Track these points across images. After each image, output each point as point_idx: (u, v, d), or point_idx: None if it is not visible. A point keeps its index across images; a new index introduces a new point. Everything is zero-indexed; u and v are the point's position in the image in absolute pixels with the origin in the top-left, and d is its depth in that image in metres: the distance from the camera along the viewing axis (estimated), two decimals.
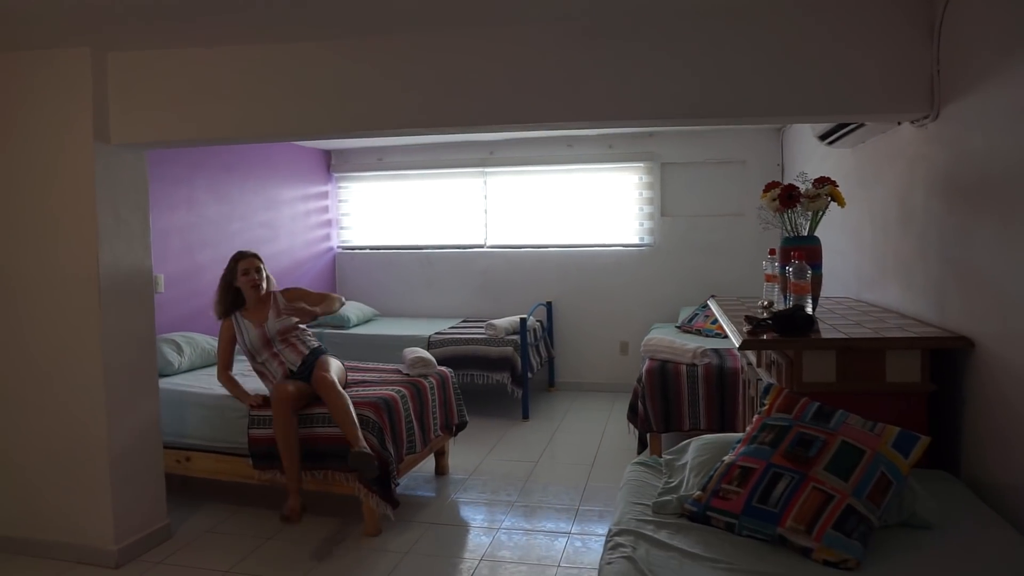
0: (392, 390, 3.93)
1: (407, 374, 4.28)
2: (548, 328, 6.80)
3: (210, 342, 4.77)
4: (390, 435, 3.67)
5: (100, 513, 3.41)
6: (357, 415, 3.60)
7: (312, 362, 3.91)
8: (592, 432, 5.53)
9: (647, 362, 4.80)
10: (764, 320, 2.69)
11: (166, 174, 5.05)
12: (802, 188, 3.12)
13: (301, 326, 4.07)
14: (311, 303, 4.08)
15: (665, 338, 5.02)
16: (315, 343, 4.08)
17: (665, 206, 6.76)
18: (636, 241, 6.86)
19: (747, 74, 2.86)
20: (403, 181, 7.25)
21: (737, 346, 2.60)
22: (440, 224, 7.21)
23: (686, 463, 2.33)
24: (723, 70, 2.87)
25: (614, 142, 6.76)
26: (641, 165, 6.76)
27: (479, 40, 3.01)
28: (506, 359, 5.80)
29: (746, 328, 2.71)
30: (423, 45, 3.05)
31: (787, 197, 3.09)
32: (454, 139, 6.83)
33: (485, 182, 7.04)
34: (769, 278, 3.54)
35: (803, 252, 2.95)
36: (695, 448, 2.38)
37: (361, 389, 3.99)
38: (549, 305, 6.84)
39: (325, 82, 3.15)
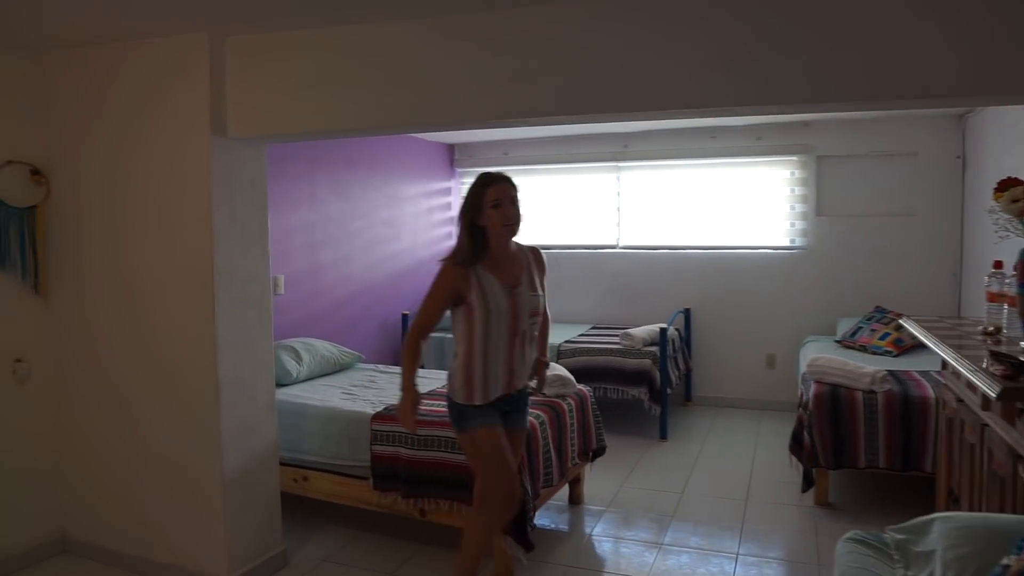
0: (530, 415, 3.49)
1: (544, 394, 3.83)
2: (686, 337, 6.21)
3: (330, 349, 4.48)
4: (527, 469, 3.23)
5: (212, 537, 3.14)
6: None
7: (521, 401, 2.93)
8: (741, 458, 4.93)
9: (814, 386, 4.16)
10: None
11: (287, 171, 4.81)
12: None
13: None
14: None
15: (836, 358, 4.36)
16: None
17: (821, 204, 6.03)
18: (787, 243, 6.16)
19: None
20: (530, 176, 6.81)
21: (994, 395, 1.99)
22: (569, 222, 6.73)
23: (934, 553, 1.76)
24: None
25: (763, 133, 6.08)
26: (794, 159, 6.05)
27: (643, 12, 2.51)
28: (643, 373, 5.27)
29: (995, 367, 2.09)
30: (571, 20, 2.57)
31: None
32: (585, 131, 6.34)
33: (618, 177, 6.52)
34: (994, 297, 2.88)
35: None
36: (945, 532, 1.80)
37: None
38: (687, 312, 6.25)
39: (459, 64, 2.73)
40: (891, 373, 4.32)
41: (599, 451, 4.11)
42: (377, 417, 3.51)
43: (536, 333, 2.87)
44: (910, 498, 4.08)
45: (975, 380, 2.17)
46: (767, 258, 6.17)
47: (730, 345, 6.28)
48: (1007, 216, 2.62)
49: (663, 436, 5.33)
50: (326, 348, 4.45)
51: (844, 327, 5.64)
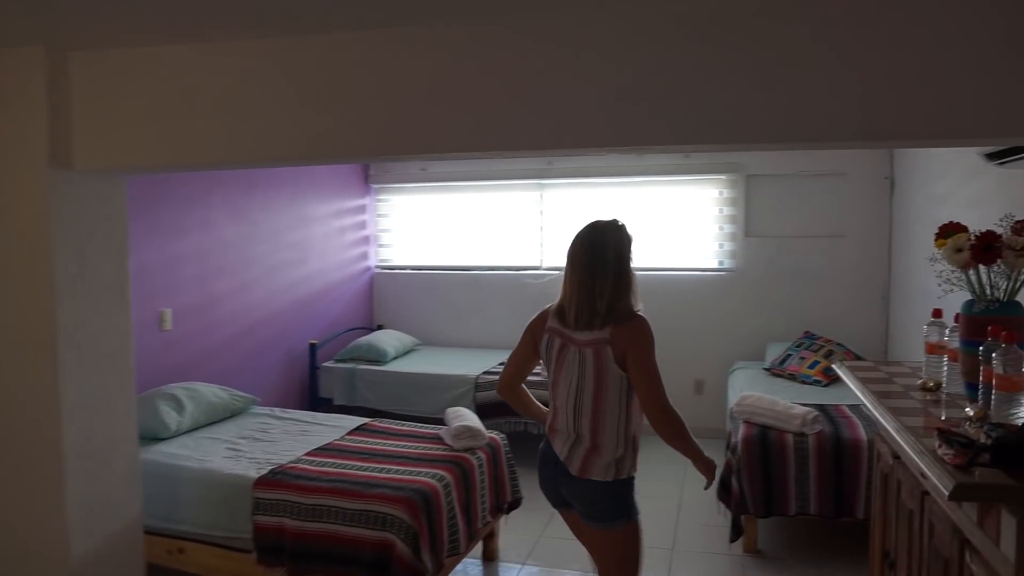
0: (431, 476, 3.13)
1: (450, 446, 3.48)
2: None
3: (218, 394, 4.04)
4: (428, 540, 2.87)
5: None
6: (385, 514, 2.82)
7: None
8: (667, 498, 4.67)
9: (743, 428, 3.92)
10: (978, 443, 1.80)
11: (176, 192, 4.34)
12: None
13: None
14: None
15: (764, 396, 4.13)
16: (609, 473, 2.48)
17: (750, 225, 5.84)
18: (715, 265, 5.96)
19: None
20: (450, 194, 6.46)
21: (947, 494, 1.71)
22: (491, 242, 6.39)
23: None
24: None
25: (691, 151, 5.86)
26: (723, 177, 5.86)
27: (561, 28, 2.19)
28: None
29: (945, 451, 1.83)
30: (483, 38, 2.24)
31: (984, 249, 2.20)
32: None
33: (542, 196, 6.21)
34: (933, 349, 2.66)
35: (1008, 326, 2.06)
36: None
37: (394, 469, 3.20)
38: None
39: (347, 88, 2.37)
40: (822, 410, 4.12)
41: (514, 504, 3.78)
42: (261, 483, 3.11)
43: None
44: (842, 545, 3.88)
45: (924, 468, 1.90)
46: (695, 281, 5.96)
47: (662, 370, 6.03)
48: (950, 267, 2.39)
49: None
50: (214, 393, 4.00)
51: (773, 352, 5.46)
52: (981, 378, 2.14)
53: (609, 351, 2.38)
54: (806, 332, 5.46)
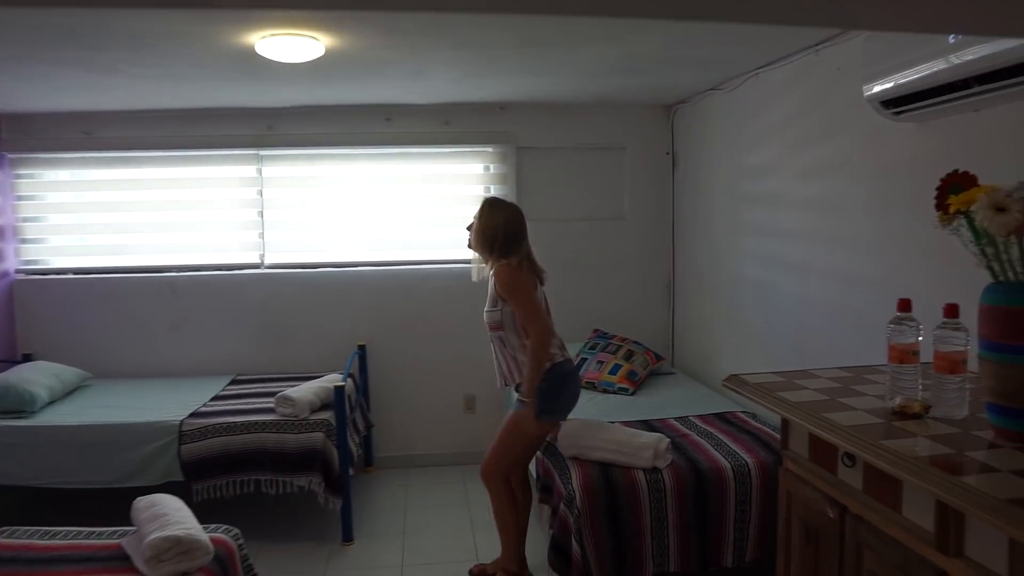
0: None
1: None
2: (363, 385, 4.66)
3: None
4: None
5: None
6: None
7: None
8: (459, 549, 3.54)
9: (578, 471, 2.91)
10: None
11: None
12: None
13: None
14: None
15: (591, 422, 3.15)
16: None
17: (523, 206, 4.87)
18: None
19: None
20: (128, 168, 4.69)
21: None
22: (191, 234, 4.75)
23: None
24: None
25: (452, 116, 4.78)
26: (489, 150, 4.85)
27: None
28: (314, 453, 3.61)
29: None
30: None
31: None
32: (210, 104, 4.44)
33: (260, 170, 4.72)
34: (905, 355, 1.83)
35: None
36: None
37: None
38: (362, 350, 4.71)
39: None
40: (648, 427, 3.28)
41: None
42: None
43: (505, 347, 3.19)
44: None
45: None
46: (460, 275, 4.87)
47: (419, 388, 4.89)
48: (982, 239, 1.54)
49: (347, 538, 3.73)
50: None
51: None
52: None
53: None
54: (596, 331, 4.66)
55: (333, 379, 3.97)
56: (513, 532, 3.19)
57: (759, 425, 3.42)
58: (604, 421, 3.16)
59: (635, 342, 4.53)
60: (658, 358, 4.50)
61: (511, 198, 4.81)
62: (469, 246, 3.25)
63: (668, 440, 2.97)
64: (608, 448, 2.94)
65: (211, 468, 3.55)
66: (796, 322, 3.44)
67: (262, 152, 4.67)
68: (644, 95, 4.58)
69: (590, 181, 4.96)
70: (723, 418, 3.58)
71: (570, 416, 3.15)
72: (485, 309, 3.17)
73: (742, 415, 3.61)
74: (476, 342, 4.83)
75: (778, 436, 3.18)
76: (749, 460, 2.97)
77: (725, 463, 2.93)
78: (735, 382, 2.32)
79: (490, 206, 3.18)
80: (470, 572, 3.32)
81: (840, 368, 2.43)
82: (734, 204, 4.08)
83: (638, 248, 4.99)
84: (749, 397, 2.23)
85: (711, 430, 3.37)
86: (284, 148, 4.67)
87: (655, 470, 2.87)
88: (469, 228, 3.20)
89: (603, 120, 4.89)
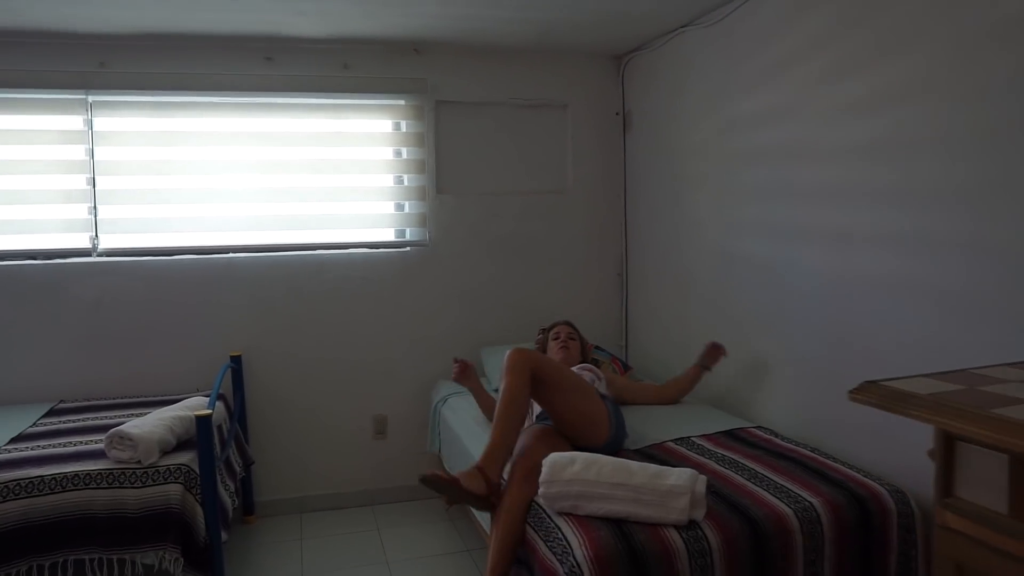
0: None
1: None
2: (238, 408, 3.51)
3: None
4: None
5: None
6: None
7: None
8: None
9: (580, 534, 1.94)
10: None
11: None
12: None
13: None
14: None
15: (592, 459, 2.15)
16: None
17: (443, 177, 3.90)
18: (393, 239, 3.91)
19: None
20: None
21: None
22: None
23: None
24: None
25: (353, 58, 3.71)
26: (401, 103, 3.81)
27: None
28: (167, 516, 2.45)
29: None
30: None
31: None
32: (11, 26, 3.18)
33: (90, 122, 3.47)
34: None
35: None
36: None
37: None
38: (236, 363, 3.56)
39: None
40: (647, 457, 2.38)
41: None
42: None
43: None
44: None
45: None
46: (363, 263, 3.82)
47: (314, 409, 3.78)
48: None
49: None
50: None
51: (496, 365, 3.62)
52: None
53: None
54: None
55: (195, 405, 2.83)
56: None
57: (791, 446, 2.58)
58: (601, 456, 2.20)
59: (597, 347, 3.63)
60: (626, 367, 3.62)
61: (429, 168, 3.82)
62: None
63: (705, 478, 2.05)
64: (620, 496, 2.00)
65: (3, 548, 2.34)
66: (829, 306, 2.62)
67: (92, 97, 3.43)
68: (589, 40, 3.71)
69: (525, 146, 4.02)
70: (738, 438, 2.72)
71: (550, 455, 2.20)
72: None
73: (758, 432, 2.77)
74: (387, 347, 3.80)
75: (827, 461, 2.41)
76: (815, 501, 2.10)
77: (784, 508, 2.06)
78: (880, 394, 1.43)
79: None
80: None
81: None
82: (722, 165, 3.25)
83: (583, 228, 4.09)
84: (928, 418, 1.33)
85: (736, 457, 2.49)
86: (123, 92, 3.45)
87: (691, 524, 1.95)
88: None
89: (541, 71, 3.96)
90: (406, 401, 3.87)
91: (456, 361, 3.18)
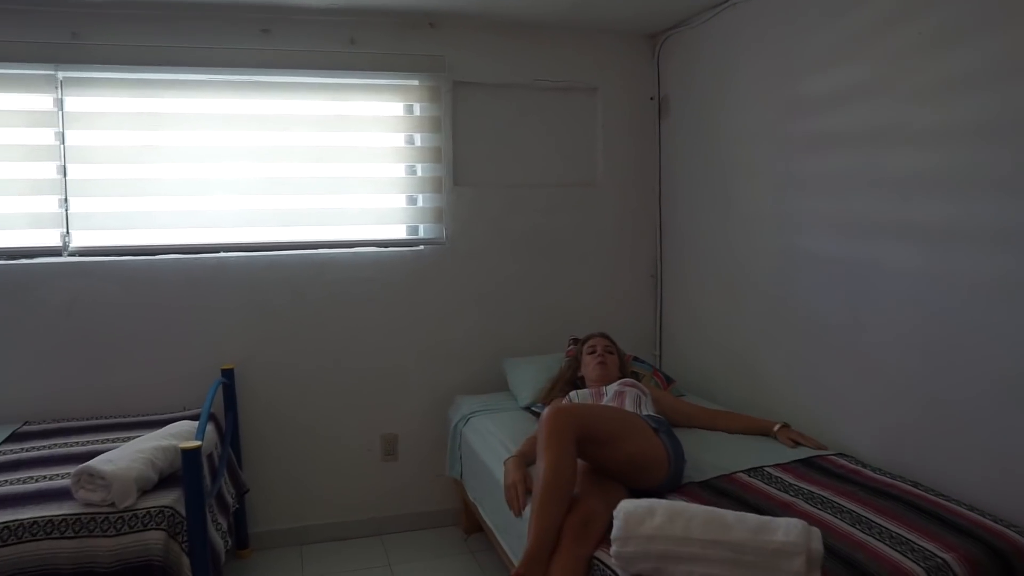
0: None
1: None
2: (231, 429, 3.08)
3: None
4: None
5: None
6: None
7: None
8: None
9: None
10: None
11: None
12: None
13: None
14: None
15: (683, 513, 1.76)
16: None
17: (460, 167, 3.49)
18: (405, 235, 3.50)
19: None
20: None
21: None
22: None
23: None
24: None
25: (361, 30, 3.29)
26: (414, 83, 3.40)
27: None
28: (148, 569, 2.03)
29: None
30: None
31: None
32: None
33: (60, 101, 3.03)
34: None
35: None
36: None
37: None
38: (228, 377, 3.13)
39: None
40: (721, 494, 1.99)
41: None
42: None
43: None
44: None
45: None
46: (372, 263, 3.41)
47: (316, 428, 3.36)
48: None
49: None
50: None
51: (519, 378, 3.22)
52: None
53: None
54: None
55: (181, 432, 2.41)
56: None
57: (888, 479, 2.19)
58: (688, 505, 1.80)
59: (636, 359, 3.24)
60: (668, 380, 3.23)
61: (446, 157, 3.42)
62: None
63: (818, 531, 1.65)
64: (715, 557, 1.60)
65: None
66: (923, 312, 2.24)
67: (62, 73, 2.99)
68: (623, 16, 3.32)
69: (552, 133, 3.61)
70: (820, 468, 2.34)
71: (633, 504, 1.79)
72: (614, 399, 2.61)
73: (841, 461, 2.38)
74: (398, 358, 3.41)
75: (940, 501, 1.99)
76: (947, 557, 1.71)
77: (912, 566, 1.66)
78: None
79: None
80: None
81: None
82: (782, 152, 2.85)
83: (614, 223, 3.70)
84: None
85: (827, 495, 2.10)
86: (98, 68, 3.01)
87: None
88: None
89: (569, 50, 3.56)
90: (419, 418, 3.46)
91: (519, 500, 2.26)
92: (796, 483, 2.20)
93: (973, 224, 2.08)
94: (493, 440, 2.82)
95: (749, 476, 2.28)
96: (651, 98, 3.68)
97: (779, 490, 2.15)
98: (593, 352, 2.91)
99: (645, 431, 2.21)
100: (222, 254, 3.21)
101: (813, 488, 2.15)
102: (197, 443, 2.10)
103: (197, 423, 2.40)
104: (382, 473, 3.46)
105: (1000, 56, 1.98)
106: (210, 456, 2.55)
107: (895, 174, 2.34)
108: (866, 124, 2.45)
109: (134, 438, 2.52)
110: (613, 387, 2.67)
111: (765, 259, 2.98)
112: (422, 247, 3.45)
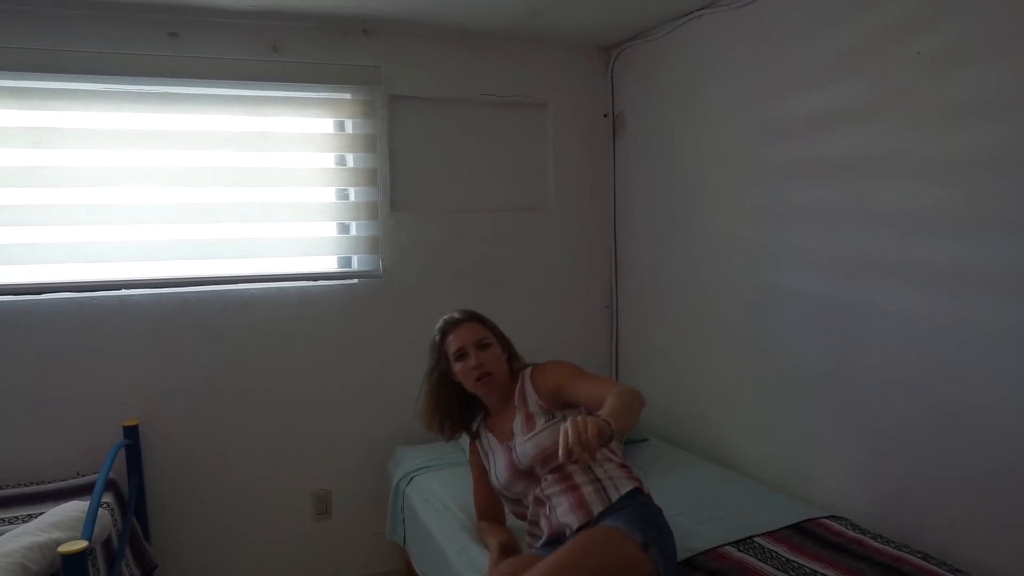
0: None
1: None
2: (135, 495, 2.64)
3: None
4: None
5: None
6: None
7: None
8: None
9: None
10: None
11: None
12: None
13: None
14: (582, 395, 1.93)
15: None
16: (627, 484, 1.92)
17: (398, 191, 3.14)
18: (336, 268, 3.13)
19: None
20: None
21: None
22: None
23: None
24: None
25: (285, 37, 2.90)
26: (347, 96, 3.04)
27: None
28: None
29: None
30: None
31: None
32: None
33: None
34: None
35: None
36: None
37: None
38: (132, 436, 2.70)
39: None
40: (696, 568, 1.71)
41: None
42: None
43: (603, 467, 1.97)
44: None
45: None
46: (298, 299, 3.02)
47: (236, 489, 2.95)
48: None
49: None
50: None
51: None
52: None
53: None
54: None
55: (65, 521, 1.98)
56: None
57: (893, 550, 1.96)
58: None
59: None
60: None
61: (380, 175, 3.07)
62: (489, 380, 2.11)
63: None
64: None
65: None
66: (924, 361, 2.03)
67: None
68: (574, 26, 3.05)
69: (499, 153, 3.31)
70: (814, 535, 2.10)
71: None
72: (531, 441, 1.99)
73: (835, 526, 2.15)
74: (329, 404, 3.03)
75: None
76: None
77: None
78: None
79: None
80: None
81: None
82: (756, 178, 2.62)
83: (567, 252, 3.41)
84: None
85: (830, 573, 1.84)
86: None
87: None
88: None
89: (517, 63, 3.26)
90: (355, 471, 3.09)
91: None
92: (790, 557, 1.95)
93: (986, 266, 1.87)
94: (439, 506, 2.49)
95: (738, 550, 2.01)
96: (604, 115, 3.42)
97: (775, 568, 1.89)
98: (464, 357, 2.12)
99: (634, 555, 1.71)
100: (123, 292, 2.77)
101: (811, 564, 1.90)
102: (81, 545, 1.68)
103: (88, 502, 1.98)
104: (315, 534, 3.07)
105: (1016, 84, 1.77)
106: (107, 541, 2.13)
107: (890, 207, 2.12)
108: (855, 152, 2.23)
109: (11, 519, 2.09)
110: (520, 439, 2.02)
111: (737, 294, 2.73)
112: (356, 280, 3.09)
